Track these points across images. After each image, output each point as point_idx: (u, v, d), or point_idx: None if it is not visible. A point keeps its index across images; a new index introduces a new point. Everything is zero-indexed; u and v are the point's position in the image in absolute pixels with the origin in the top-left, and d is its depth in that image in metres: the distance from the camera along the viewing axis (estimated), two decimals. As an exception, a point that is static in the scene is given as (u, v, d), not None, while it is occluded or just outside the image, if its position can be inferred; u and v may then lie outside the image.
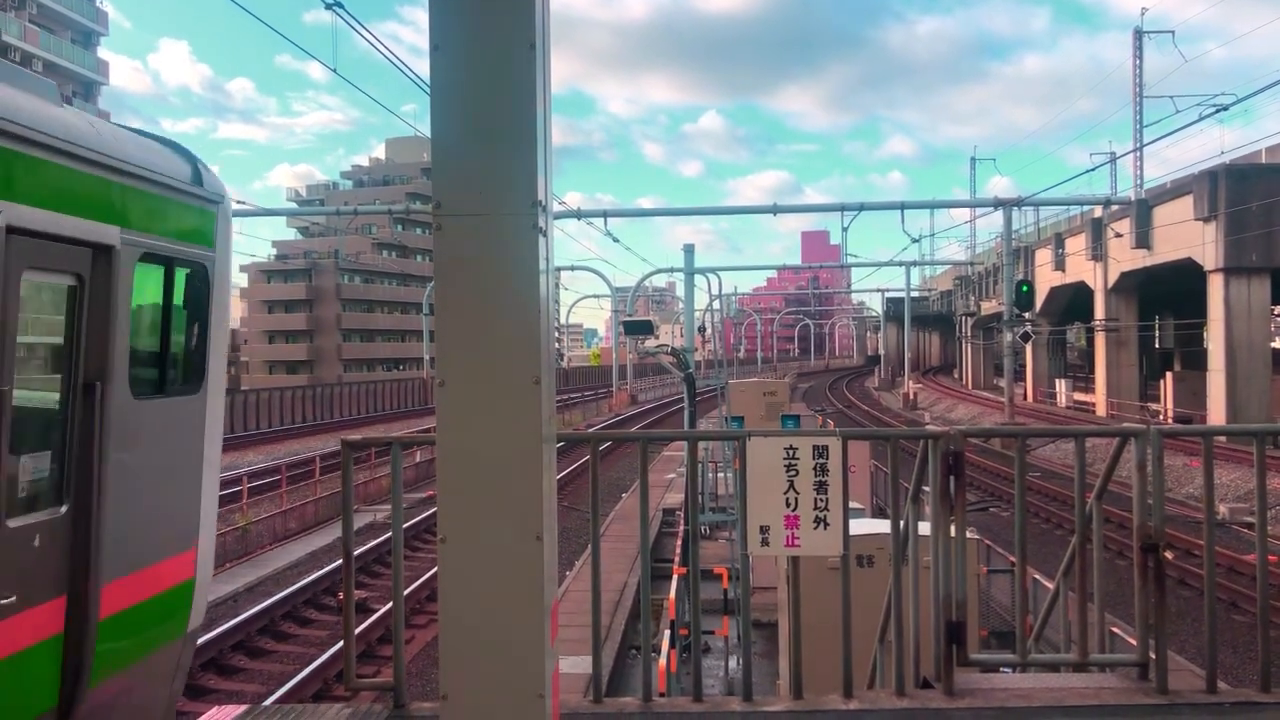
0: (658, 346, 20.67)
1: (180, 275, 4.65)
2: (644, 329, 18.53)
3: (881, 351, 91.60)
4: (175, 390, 4.72)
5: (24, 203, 3.56)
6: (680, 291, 40.92)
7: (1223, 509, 19.98)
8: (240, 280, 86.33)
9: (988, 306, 61.23)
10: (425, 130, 2.93)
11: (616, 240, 31.64)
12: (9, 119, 3.47)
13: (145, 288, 4.35)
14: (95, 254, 3.98)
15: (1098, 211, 41.92)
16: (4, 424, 3.49)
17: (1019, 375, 51.61)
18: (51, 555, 3.83)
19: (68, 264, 3.86)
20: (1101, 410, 44.54)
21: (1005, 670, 5.29)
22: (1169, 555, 5.92)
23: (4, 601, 3.51)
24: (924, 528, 5.07)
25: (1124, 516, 14.26)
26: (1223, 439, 21.64)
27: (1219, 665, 5.02)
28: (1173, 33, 42.08)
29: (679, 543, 16.06)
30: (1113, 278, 42.91)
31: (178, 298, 4.67)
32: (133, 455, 4.23)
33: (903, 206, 31.05)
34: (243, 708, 5.23)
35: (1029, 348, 50.54)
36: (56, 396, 3.91)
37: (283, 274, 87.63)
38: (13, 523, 3.58)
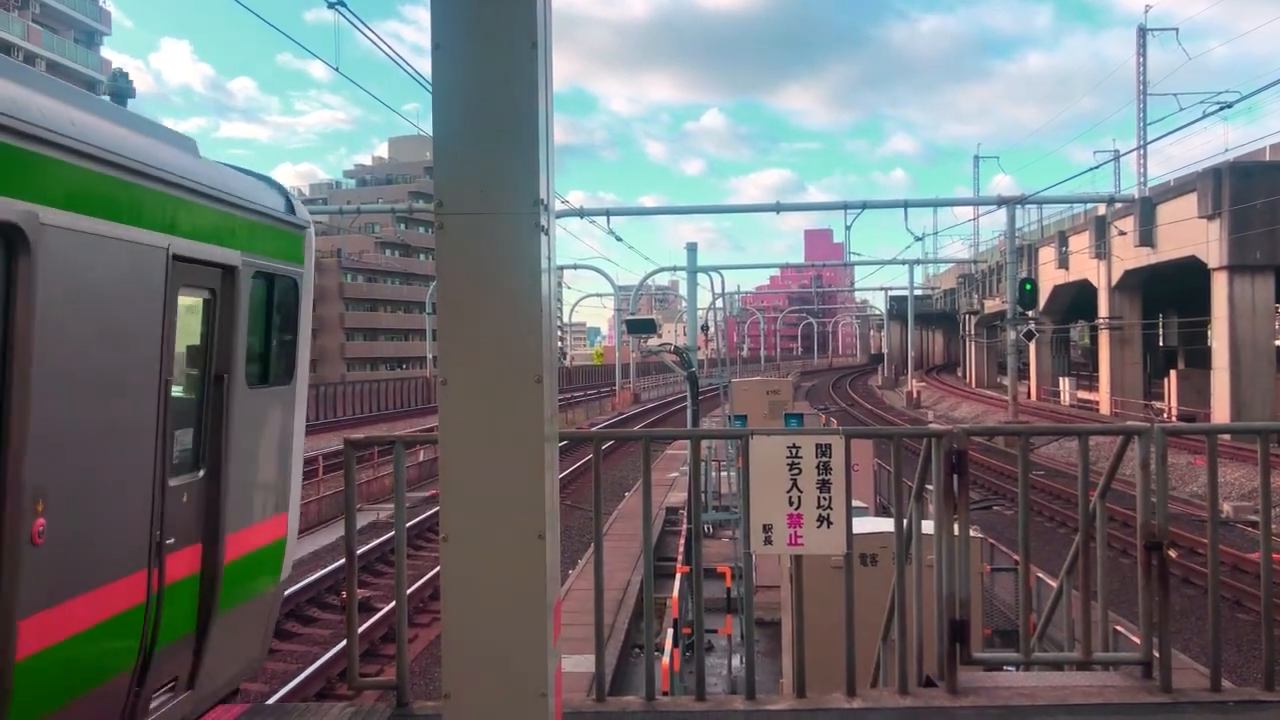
0: (661, 345, 20.69)
1: (279, 287, 5.70)
2: (647, 327, 18.54)
3: (885, 350, 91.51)
4: (275, 381, 5.75)
5: (182, 236, 4.53)
6: (683, 290, 40.85)
7: (1227, 507, 19.95)
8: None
9: (991, 305, 61.18)
10: (427, 129, 2.93)
11: (619, 239, 31.62)
12: (175, 172, 4.48)
13: (255, 298, 5.39)
14: (223, 273, 5.00)
15: (1101, 209, 41.85)
16: (167, 407, 4.46)
17: (1023, 373, 51.59)
18: (193, 510, 4.82)
19: (206, 282, 4.88)
20: (1105, 408, 44.49)
21: (1009, 669, 5.29)
22: (1172, 553, 5.91)
23: (168, 541, 4.51)
24: (927, 526, 5.06)
25: (1128, 515, 14.23)
26: (1226, 437, 21.60)
27: (1223, 664, 5.01)
28: (1176, 30, 41.94)
29: (682, 541, 16.05)
30: (1116, 276, 42.84)
31: (277, 306, 5.71)
32: (247, 433, 5.26)
33: (906, 205, 31.04)
34: (246, 706, 5.25)
35: (1032, 346, 50.50)
36: (197, 386, 4.94)
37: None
38: (172, 482, 4.58)
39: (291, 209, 5.79)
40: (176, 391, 4.64)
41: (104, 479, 4.08)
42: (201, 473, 4.89)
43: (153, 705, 4.53)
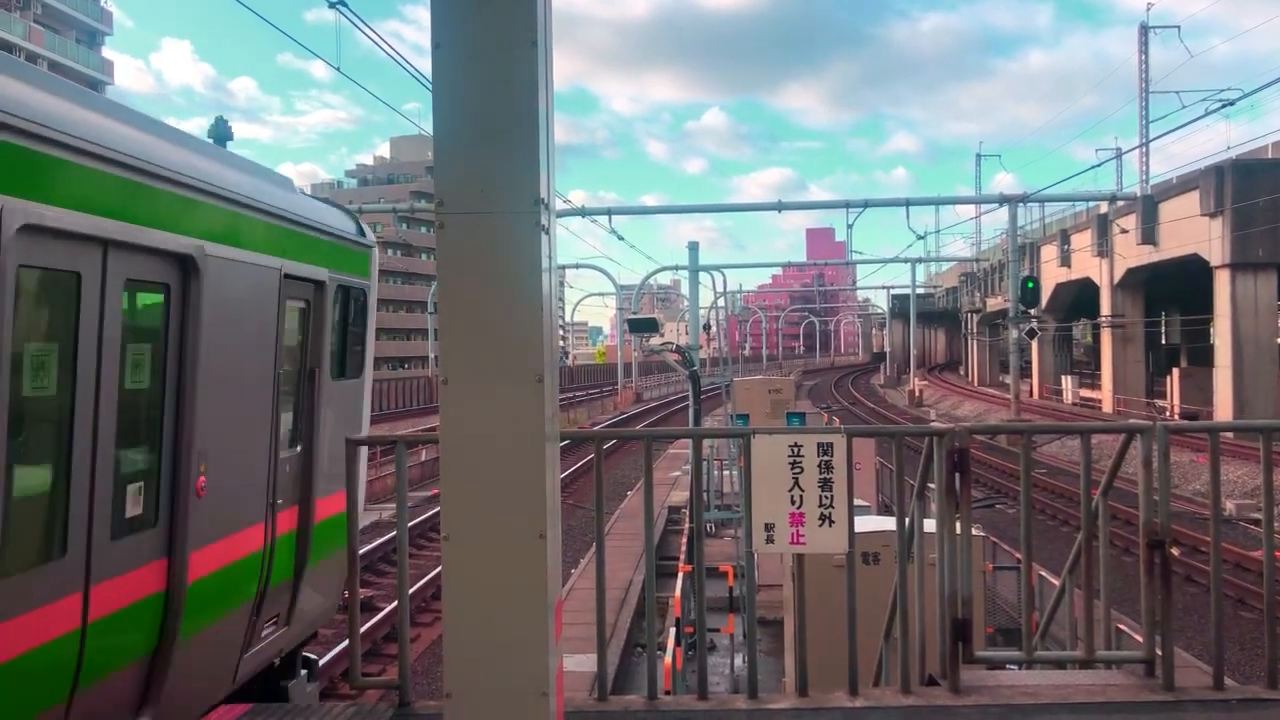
0: (662, 344, 20.67)
1: (353, 298, 6.79)
2: (649, 327, 18.53)
3: (887, 349, 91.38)
4: (350, 375, 6.80)
5: (289, 258, 5.66)
6: (685, 289, 40.91)
7: (1229, 505, 19.93)
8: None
9: (993, 303, 61.13)
10: (429, 128, 2.95)
11: (621, 238, 31.55)
12: (283, 208, 5.63)
13: (337, 307, 6.47)
14: (315, 287, 6.09)
15: (1103, 207, 41.83)
16: (278, 394, 5.54)
17: (1025, 372, 51.54)
18: (293, 478, 5.81)
19: (304, 294, 5.98)
20: (1108, 407, 44.45)
21: (1011, 667, 5.28)
22: (1175, 552, 5.90)
23: (278, 502, 5.55)
24: (929, 525, 5.06)
25: (1130, 513, 14.20)
26: (1229, 435, 21.54)
27: (1226, 662, 5.00)
28: (1178, 28, 42.04)
29: (684, 540, 16.04)
30: (1119, 274, 42.80)
31: (351, 313, 6.78)
32: (330, 416, 6.32)
33: (908, 203, 31.03)
34: (249, 706, 5.25)
35: (1035, 344, 50.47)
36: (295, 378, 5.97)
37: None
38: (282, 454, 5.63)
39: (361, 232, 7.02)
40: (282, 382, 5.70)
41: (240, 450, 5.22)
42: (299, 448, 5.98)
43: (263, 634, 5.66)
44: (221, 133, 6.40)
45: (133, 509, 4.34)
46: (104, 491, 4.10)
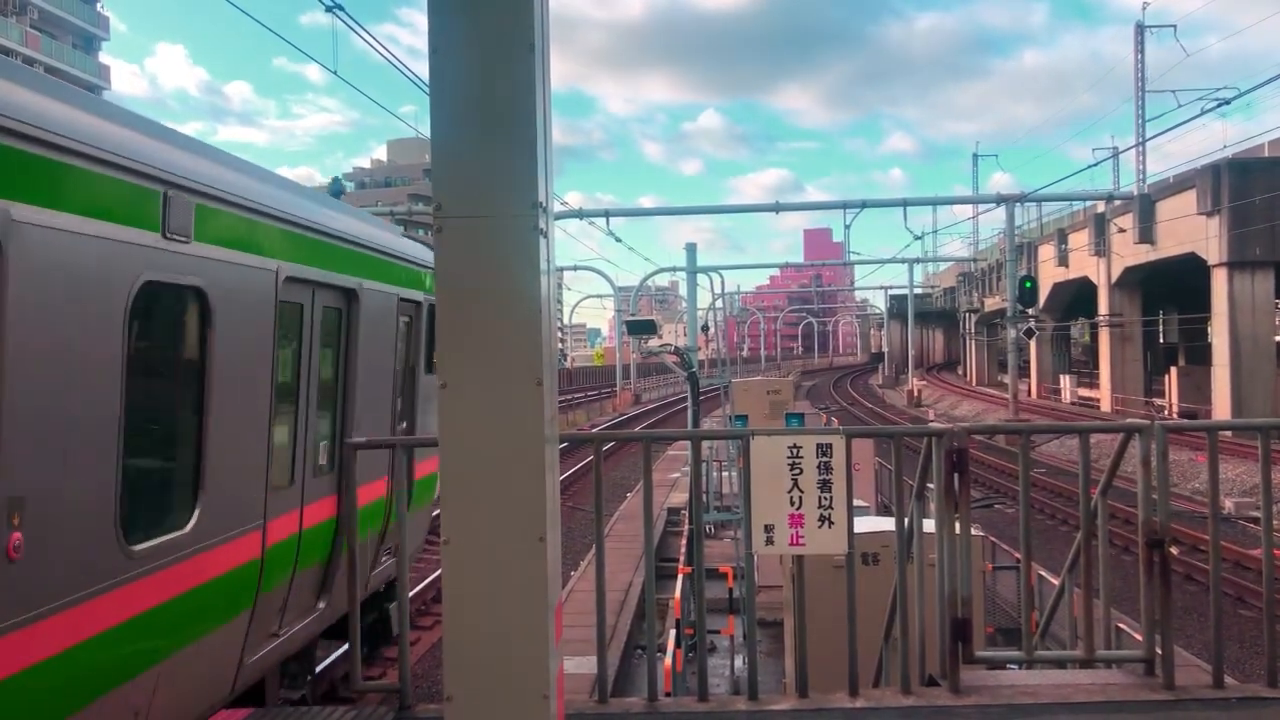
0: (661, 346, 20.67)
1: (431, 311, 8.36)
2: (647, 328, 18.52)
3: (885, 349, 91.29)
4: (435, 371, 7.60)
5: (401, 286, 7.64)
6: (683, 290, 40.91)
7: (1228, 504, 19.94)
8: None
9: (991, 303, 61.13)
10: (425, 131, 2.96)
11: (619, 240, 31.60)
12: (397, 250, 7.66)
13: (428, 320, 8.29)
14: (415, 306, 8.06)
15: (1101, 207, 41.83)
16: (394, 385, 7.56)
17: (1023, 371, 51.53)
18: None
19: (409, 312, 7.96)
20: (1106, 406, 44.46)
21: (1011, 667, 5.28)
22: (1174, 550, 5.90)
23: (395, 462, 6.77)
24: (929, 525, 5.06)
25: (1129, 512, 14.20)
26: (1227, 434, 21.55)
27: (1225, 660, 5.00)
28: (1174, 27, 42.02)
29: (683, 542, 16.03)
30: (1116, 273, 42.82)
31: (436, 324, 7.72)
32: (423, 401, 8.26)
33: (905, 204, 31.03)
34: (249, 710, 5.25)
35: (1033, 344, 50.45)
36: (403, 373, 7.84)
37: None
38: (398, 427, 7.59)
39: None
40: (397, 375, 7.56)
41: (377, 420, 7.13)
42: (405, 424, 7.96)
43: (382, 560, 7.68)
44: (337, 189, 8.76)
45: (322, 458, 6.36)
46: (311, 445, 6.18)
